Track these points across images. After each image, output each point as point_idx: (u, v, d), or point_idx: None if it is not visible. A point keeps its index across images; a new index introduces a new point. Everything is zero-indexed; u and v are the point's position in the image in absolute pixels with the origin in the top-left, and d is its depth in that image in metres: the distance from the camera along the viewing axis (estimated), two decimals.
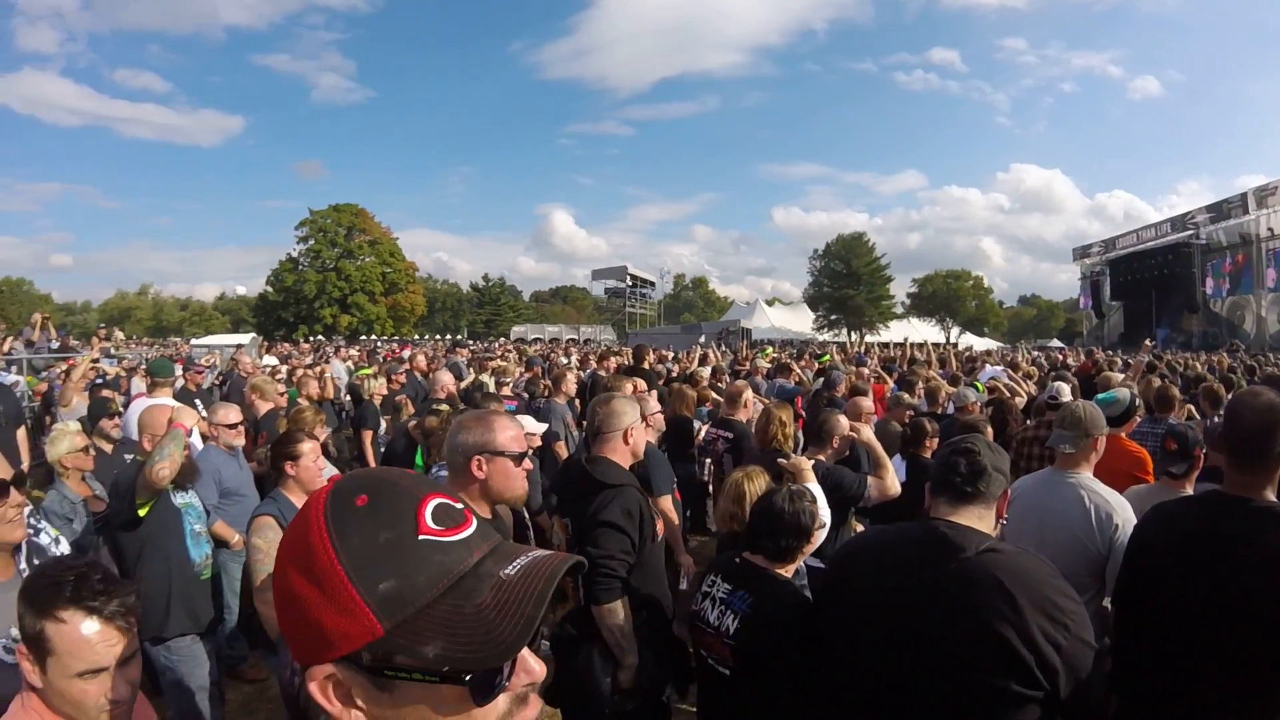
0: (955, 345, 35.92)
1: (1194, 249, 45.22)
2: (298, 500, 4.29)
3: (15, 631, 2.56)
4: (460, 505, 0.96)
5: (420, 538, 0.89)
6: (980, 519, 2.60)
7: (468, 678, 0.84)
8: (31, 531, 3.02)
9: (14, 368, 13.02)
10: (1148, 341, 16.32)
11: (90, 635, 1.91)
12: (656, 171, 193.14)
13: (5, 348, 13.88)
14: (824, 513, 4.20)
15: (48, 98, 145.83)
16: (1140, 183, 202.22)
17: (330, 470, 5.63)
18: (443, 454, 3.85)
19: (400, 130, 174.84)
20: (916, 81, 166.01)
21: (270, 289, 77.95)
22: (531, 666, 0.92)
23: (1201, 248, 45.67)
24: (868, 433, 5.32)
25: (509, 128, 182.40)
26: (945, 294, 75.77)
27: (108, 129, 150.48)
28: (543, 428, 4.47)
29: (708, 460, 8.53)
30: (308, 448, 4.44)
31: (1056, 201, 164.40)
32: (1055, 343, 63.20)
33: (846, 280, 70.16)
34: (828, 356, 17.87)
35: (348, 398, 12.85)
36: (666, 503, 5.76)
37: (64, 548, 3.24)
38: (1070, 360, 19.21)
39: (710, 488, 8.53)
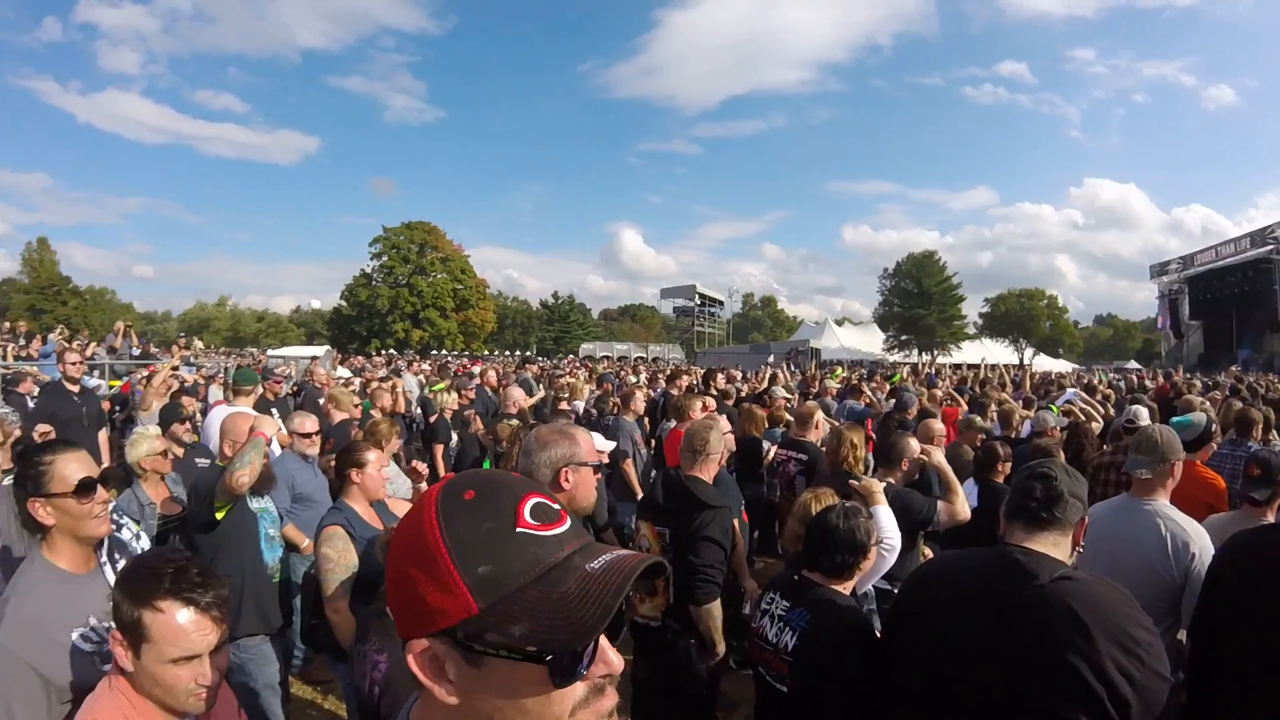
0: (1029, 367, 35.00)
1: (1275, 265, 43.11)
2: (362, 509, 4.38)
3: (94, 621, 2.68)
4: (557, 506, 1.04)
5: (518, 530, 0.97)
6: (1055, 546, 2.55)
7: (548, 658, 0.91)
8: (114, 527, 3.12)
9: (96, 372, 13.38)
10: (1233, 368, 15.84)
11: (186, 624, 2.00)
12: (725, 190, 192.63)
13: (88, 353, 14.26)
14: (893, 535, 4.18)
15: (131, 117, 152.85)
16: (1218, 196, 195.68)
17: (399, 479, 5.72)
18: (515, 465, 3.91)
19: (471, 149, 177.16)
20: (985, 95, 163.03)
21: (344, 303, 79.39)
22: (610, 659, 0.99)
23: None
24: (939, 456, 5.25)
25: (578, 147, 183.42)
26: (1019, 314, 72.87)
27: (189, 147, 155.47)
28: (611, 445, 4.50)
29: (777, 481, 8.46)
30: (372, 457, 4.51)
31: (1132, 217, 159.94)
32: (1132, 364, 61.31)
33: (917, 300, 68.70)
34: (898, 377, 17.64)
35: (418, 411, 13.01)
36: (734, 525, 5.74)
37: (144, 543, 3.34)
38: (1149, 383, 18.55)
39: (779, 509, 8.31)
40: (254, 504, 4.69)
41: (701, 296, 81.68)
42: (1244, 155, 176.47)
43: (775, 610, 3.33)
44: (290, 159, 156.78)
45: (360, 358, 40.64)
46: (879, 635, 3.14)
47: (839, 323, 78.55)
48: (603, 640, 0.98)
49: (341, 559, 4.06)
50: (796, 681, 3.15)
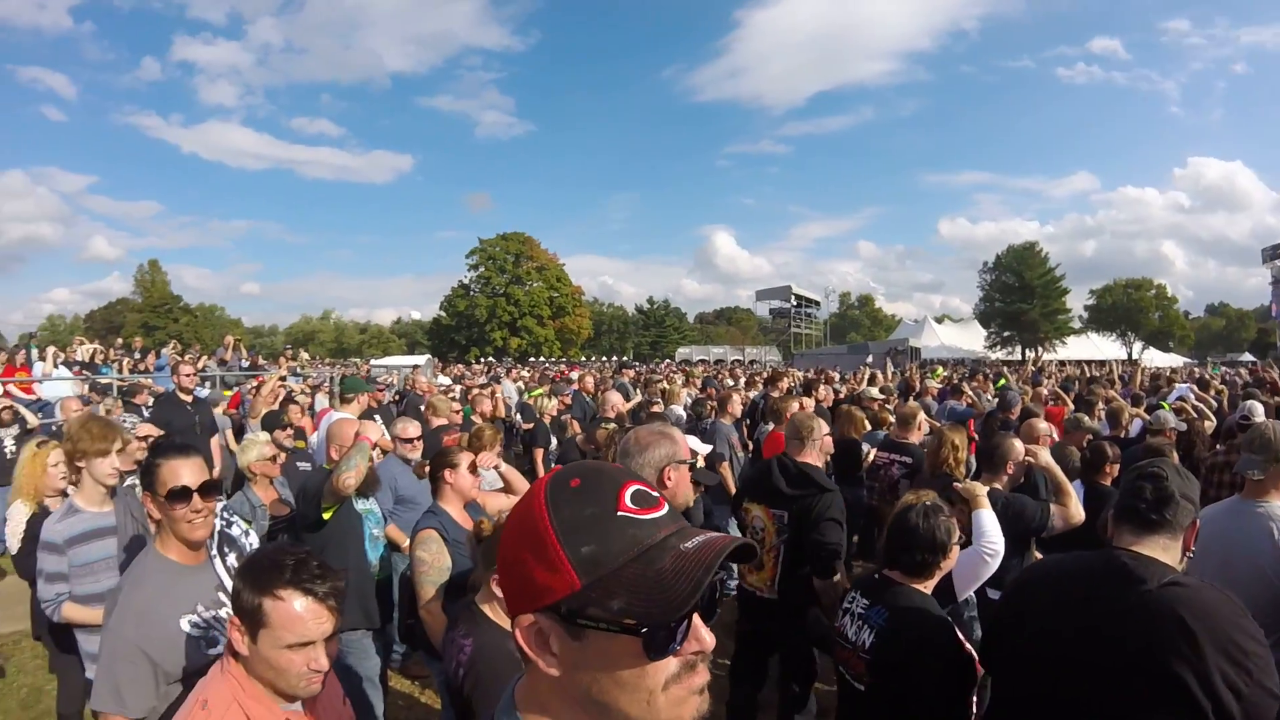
0: (1140, 362, 33.52)
1: None
2: (455, 511, 4.45)
3: (201, 608, 2.84)
4: (656, 494, 1.11)
5: (619, 514, 1.04)
6: (1165, 550, 2.48)
7: (644, 631, 0.97)
8: (224, 524, 3.25)
9: (208, 384, 13.88)
10: None
11: (303, 612, 2.10)
12: (817, 188, 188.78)
13: (200, 365, 14.78)
14: (996, 540, 4.07)
15: (232, 145, 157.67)
16: None
17: (493, 479, 5.82)
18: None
19: (561, 160, 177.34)
20: (1079, 75, 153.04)
21: (443, 313, 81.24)
22: (703, 637, 1.03)
23: None
24: (1046, 456, 5.06)
25: (667, 152, 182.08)
26: (1126, 305, 70.23)
27: (290, 171, 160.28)
28: (708, 449, 4.54)
29: (876, 485, 8.28)
30: (463, 459, 4.58)
31: (1240, 197, 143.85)
32: (1246, 356, 58.73)
33: (1019, 294, 66.53)
34: (1004, 381, 17.10)
35: (518, 416, 13.18)
36: None
37: (254, 539, 3.48)
38: (1264, 375, 17.64)
39: (879, 513, 8.07)
40: (359, 505, 4.85)
41: (797, 297, 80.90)
42: None
43: (855, 609, 3.31)
44: (385, 178, 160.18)
45: (460, 366, 41.32)
46: (966, 639, 3.10)
47: (939, 320, 76.80)
48: (696, 618, 1.03)
49: (435, 561, 4.15)
50: (874, 679, 3.13)
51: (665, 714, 1.03)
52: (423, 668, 6.21)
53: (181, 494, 2.88)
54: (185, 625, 2.81)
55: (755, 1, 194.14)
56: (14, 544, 5.18)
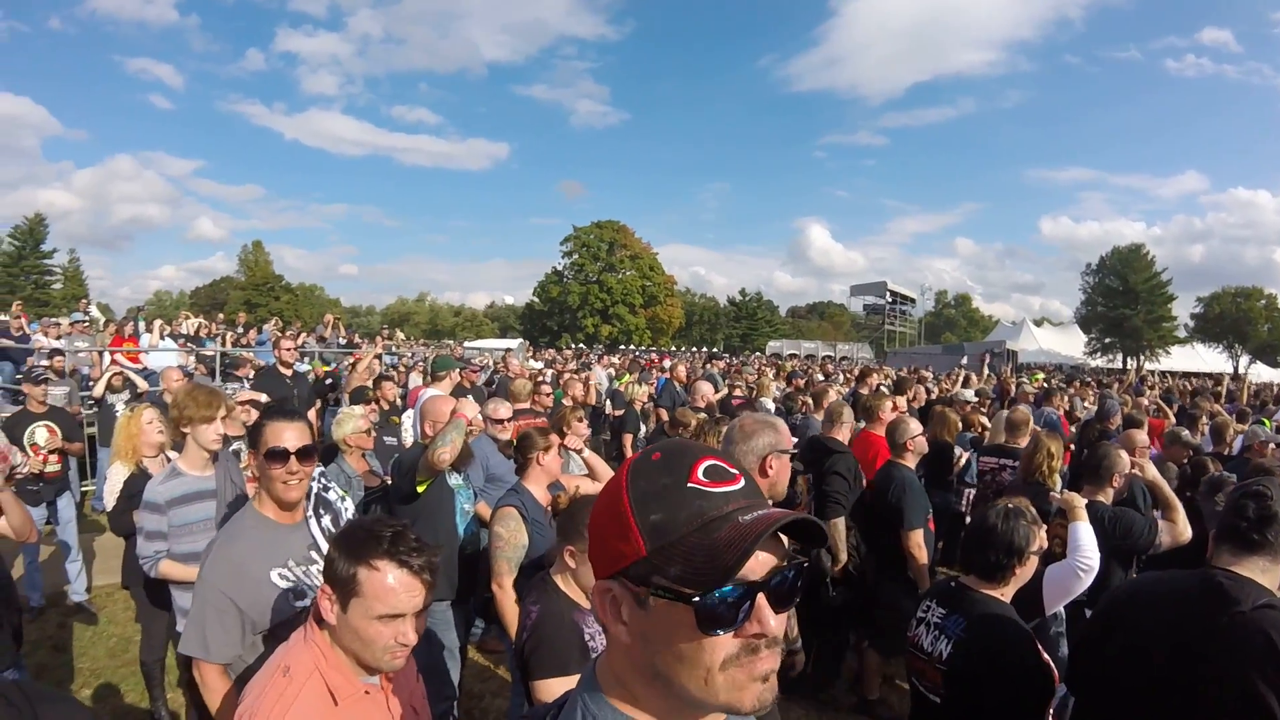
0: (1245, 376, 31.94)
1: None
2: (539, 492, 4.52)
3: (292, 564, 2.94)
4: (734, 470, 1.11)
5: (689, 485, 1.07)
6: (1264, 572, 2.42)
7: (695, 599, 0.99)
8: (321, 488, 3.33)
9: (307, 359, 14.26)
10: None
11: (396, 584, 2.09)
12: (914, 182, 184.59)
13: (300, 341, 15.18)
14: (1091, 555, 3.94)
15: (332, 133, 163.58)
16: None
17: (577, 464, 5.85)
18: None
19: (655, 149, 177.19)
20: (1188, 68, 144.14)
21: (536, 299, 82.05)
22: (766, 619, 1.03)
23: None
24: (1153, 470, 4.91)
25: (761, 143, 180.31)
26: (1234, 315, 64.93)
27: (388, 158, 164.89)
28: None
29: (967, 490, 8.16)
30: (554, 443, 4.71)
31: None
32: None
33: (1123, 298, 63.03)
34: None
35: (608, 402, 13.23)
36: (917, 537, 5.64)
37: (349, 504, 3.55)
38: None
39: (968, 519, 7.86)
40: (452, 480, 4.94)
41: (892, 294, 79.65)
42: None
43: (931, 618, 3.23)
44: (481, 165, 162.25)
45: (551, 350, 41.66)
46: (1050, 655, 3.04)
47: (1037, 323, 74.07)
48: (761, 600, 1.03)
49: (513, 539, 4.22)
50: (950, 691, 3.05)
51: (723, 696, 1.03)
52: (498, 643, 6.34)
53: (280, 455, 2.98)
54: (275, 578, 2.90)
55: None
56: (110, 502, 5.42)
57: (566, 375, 13.12)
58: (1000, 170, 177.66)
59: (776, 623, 1.04)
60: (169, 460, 5.27)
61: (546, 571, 3.16)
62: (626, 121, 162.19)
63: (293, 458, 3.00)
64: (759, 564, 1.03)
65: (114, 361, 12.69)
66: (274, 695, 2.04)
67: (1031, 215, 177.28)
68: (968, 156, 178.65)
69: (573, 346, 53.08)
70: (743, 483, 1.10)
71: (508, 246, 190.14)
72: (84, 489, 10.92)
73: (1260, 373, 49.06)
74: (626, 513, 1.06)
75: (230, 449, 4.80)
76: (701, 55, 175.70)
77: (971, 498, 8.10)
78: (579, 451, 5.86)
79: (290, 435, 3.01)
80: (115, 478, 5.46)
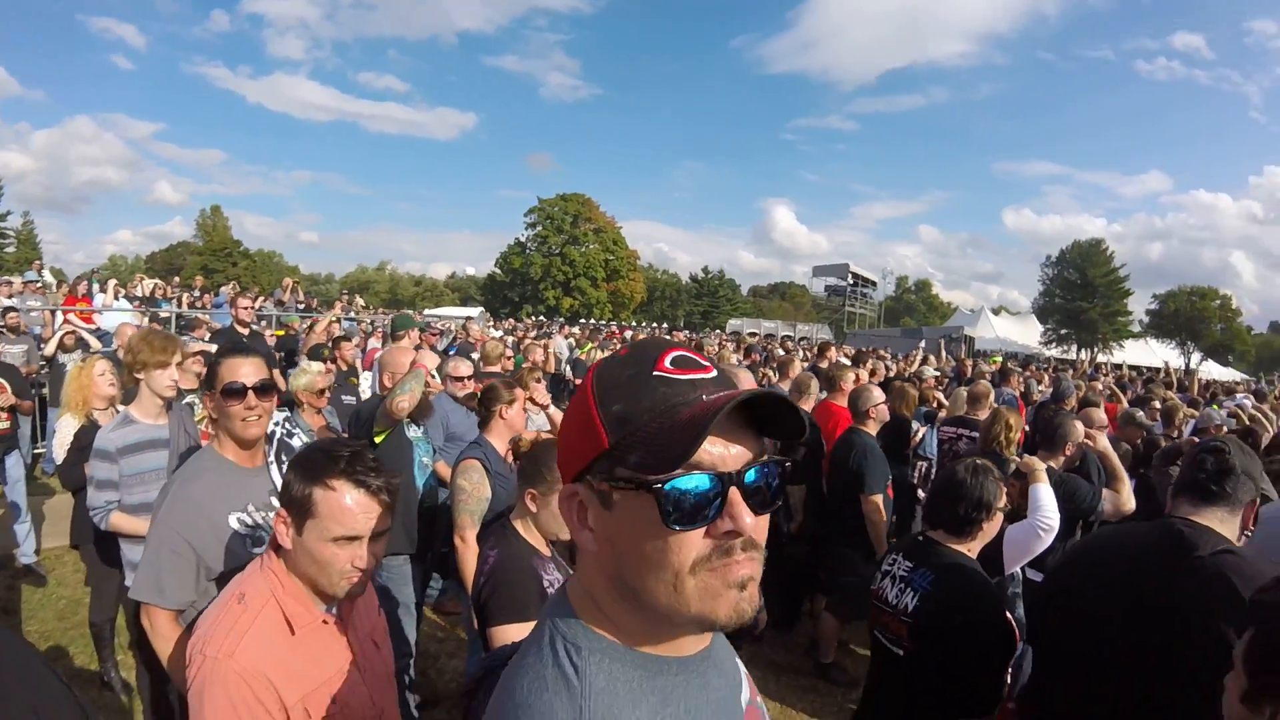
0: (1196, 372, 32.61)
1: None
2: (500, 445, 4.48)
3: (252, 509, 2.85)
4: (705, 361, 1.06)
5: (654, 374, 1.01)
6: (1222, 523, 2.48)
7: (656, 485, 0.93)
8: (285, 433, 3.26)
9: (264, 322, 14.14)
10: None
11: (353, 504, 2.03)
12: (883, 168, 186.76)
13: (257, 305, 15.04)
14: (1051, 515, 4.02)
15: (298, 98, 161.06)
16: None
17: (541, 422, 5.83)
18: None
19: (626, 125, 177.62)
20: (1159, 70, 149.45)
21: (499, 270, 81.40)
22: (740, 515, 0.96)
23: None
24: (1104, 442, 5.07)
25: (733, 123, 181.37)
26: (1188, 314, 66.76)
27: (354, 124, 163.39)
28: None
29: (921, 464, 8.34)
30: (520, 396, 4.70)
31: None
32: None
33: (1080, 291, 65.06)
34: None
35: (569, 370, 13.21)
36: (877, 500, 5.77)
37: None
38: None
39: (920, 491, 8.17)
40: (410, 432, 4.91)
41: (854, 276, 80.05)
42: None
43: (897, 571, 3.25)
44: (449, 134, 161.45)
45: (511, 320, 41.53)
46: (1006, 607, 3.11)
47: (995, 311, 74.74)
48: (735, 495, 0.96)
49: (476, 491, 4.19)
50: (915, 643, 3.07)
51: (695, 604, 0.97)
52: (456, 604, 6.35)
53: (238, 391, 2.91)
54: (233, 522, 2.82)
55: None
56: (60, 454, 5.31)
57: (527, 341, 13.06)
58: (968, 160, 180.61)
59: (754, 523, 0.97)
60: (113, 406, 5.21)
61: (507, 517, 3.11)
62: (597, 96, 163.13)
63: (250, 393, 2.92)
64: (731, 456, 0.98)
65: (66, 320, 12.48)
66: (228, 623, 1.98)
67: (996, 206, 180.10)
68: (937, 145, 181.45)
69: (533, 317, 52.90)
70: (715, 373, 1.05)
71: (472, 218, 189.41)
72: (35, 452, 10.79)
73: (1211, 370, 50.11)
74: (590, 407, 1.01)
75: (185, 401, 4.72)
76: (675, 33, 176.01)
77: (924, 470, 8.28)
78: (545, 408, 5.83)
79: (247, 370, 2.94)
80: (65, 430, 5.35)
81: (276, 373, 9.61)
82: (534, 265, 75.98)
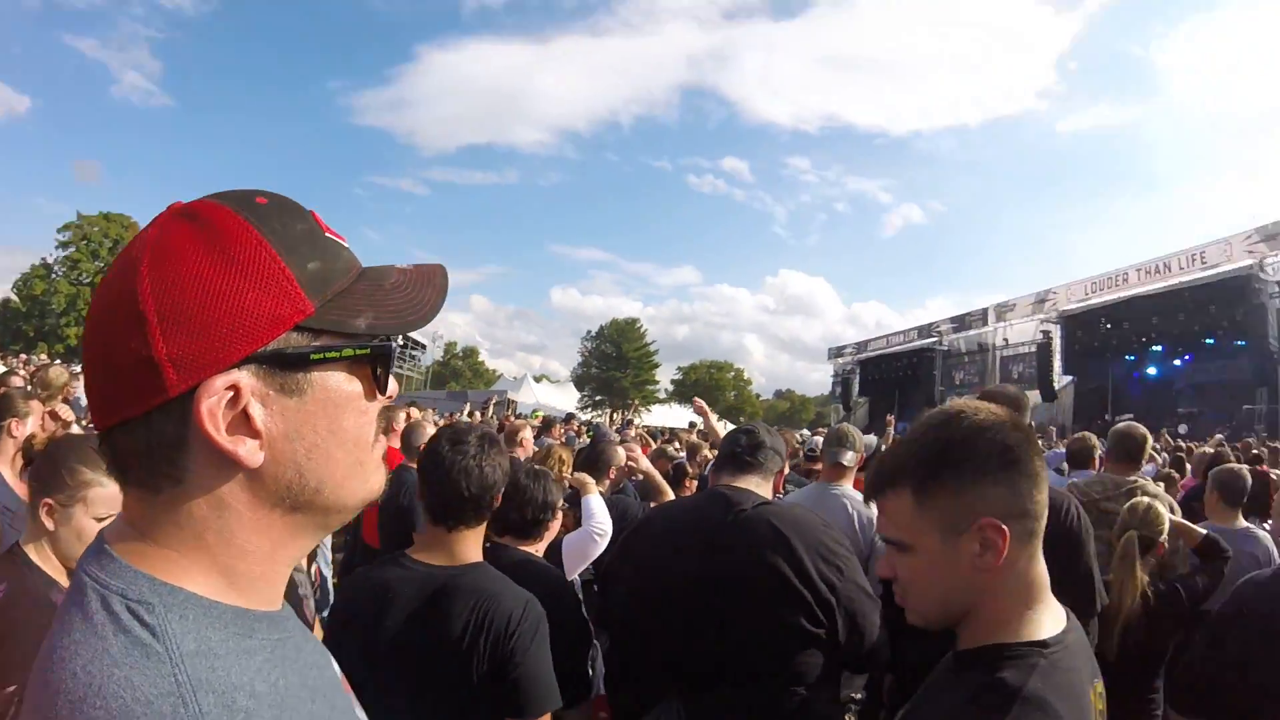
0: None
1: (936, 354, 48.65)
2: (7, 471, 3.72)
3: None
4: None
5: (327, 235, 0.90)
6: (758, 487, 2.86)
7: (381, 350, 0.88)
8: None
9: None
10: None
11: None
12: (446, 236, 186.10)
13: None
14: (604, 522, 4.27)
15: None
16: (894, 295, 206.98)
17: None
18: None
19: (196, 147, 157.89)
20: (706, 184, 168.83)
21: (15, 295, 70.07)
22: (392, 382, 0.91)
23: (943, 354, 49.16)
24: (645, 462, 5.58)
25: (308, 165, 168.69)
26: (707, 383, 79.90)
27: None
28: None
29: None
30: (37, 409, 4.07)
31: (818, 307, 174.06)
32: (805, 431, 65.79)
33: (615, 363, 73.15)
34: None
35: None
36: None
37: None
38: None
39: None
40: None
41: (405, 338, 79.99)
42: (922, 263, 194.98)
43: None
44: None
45: (24, 355, 36.64)
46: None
47: (537, 379, 78.92)
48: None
49: None
50: None
51: (374, 478, 0.92)
52: None
53: None
54: None
55: (439, 42, 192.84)
56: None
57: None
58: (527, 240, 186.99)
59: (395, 386, 0.92)
60: None
61: (16, 543, 2.43)
62: (169, 108, 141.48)
63: None
64: None
65: None
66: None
67: (546, 283, 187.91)
68: (499, 221, 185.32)
69: (49, 357, 46.52)
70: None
71: None
72: None
73: (725, 429, 56.92)
74: (273, 260, 0.81)
75: None
76: (274, 59, 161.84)
77: None
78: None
79: None
80: None
81: None
82: (59, 294, 66.80)
